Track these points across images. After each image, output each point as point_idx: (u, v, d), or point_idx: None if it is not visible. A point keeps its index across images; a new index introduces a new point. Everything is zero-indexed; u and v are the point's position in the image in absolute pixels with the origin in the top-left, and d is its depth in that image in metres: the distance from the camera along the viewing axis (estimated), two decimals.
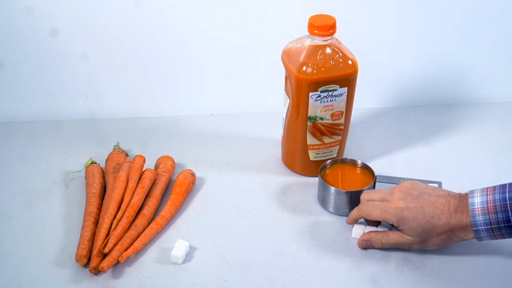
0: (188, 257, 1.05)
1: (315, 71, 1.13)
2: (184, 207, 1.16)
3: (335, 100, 1.16)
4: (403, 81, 1.45)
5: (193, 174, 1.20)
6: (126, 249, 1.04)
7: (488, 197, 0.97)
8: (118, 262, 1.03)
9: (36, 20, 1.33)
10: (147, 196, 1.14)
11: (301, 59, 1.14)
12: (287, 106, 1.20)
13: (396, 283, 1.01)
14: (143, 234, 1.07)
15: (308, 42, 1.15)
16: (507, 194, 0.96)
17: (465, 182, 1.21)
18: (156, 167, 1.22)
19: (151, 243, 1.08)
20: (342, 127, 1.20)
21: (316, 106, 1.15)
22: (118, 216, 1.08)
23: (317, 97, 1.14)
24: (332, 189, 1.13)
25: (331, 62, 1.14)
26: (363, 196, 1.08)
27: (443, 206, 1.00)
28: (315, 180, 1.18)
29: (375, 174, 1.16)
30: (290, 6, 1.36)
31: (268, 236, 1.10)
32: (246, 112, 1.41)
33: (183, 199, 1.16)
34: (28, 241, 1.09)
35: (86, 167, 1.21)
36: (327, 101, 1.15)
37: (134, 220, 1.10)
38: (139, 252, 1.06)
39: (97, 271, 1.01)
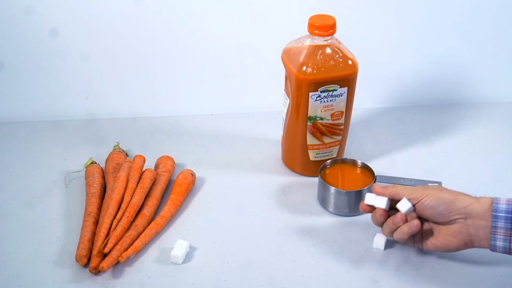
0: (188, 257, 1.05)
1: (315, 71, 1.13)
2: (184, 207, 1.16)
3: (335, 100, 1.16)
4: (403, 81, 1.44)
5: (193, 174, 1.20)
6: (126, 249, 1.04)
7: None
8: (118, 262, 1.03)
9: (36, 20, 1.32)
10: (147, 196, 1.14)
11: (301, 59, 1.14)
12: (287, 106, 1.20)
13: (396, 283, 1.01)
14: (143, 234, 1.07)
15: (308, 42, 1.15)
16: None
17: (465, 182, 1.21)
18: (156, 167, 1.22)
19: (151, 243, 1.08)
20: (342, 127, 1.20)
21: (316, 106, 1.15)
22: (118, 216, 1.08)
23: (317, 97, 1.14)
24: (332, 189, 1.13)
25: (331, 62, 1.14)
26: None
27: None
28: (315, 180, 1.18)
29: (375, 174, 1.16)
30: (290, 6, 1.36)
31: (268, 236, 1.10)
32: (246, 112, 1.41)
33: (183, 199, 1.16)
34: (28, 241, 1.08)
35: (86, 167, 1.21)
36: (327, 101, 1.15)
37: (134, 220, 1.10)
38: (139, 252, 1.06)
39: (97, 271, 1.01)
